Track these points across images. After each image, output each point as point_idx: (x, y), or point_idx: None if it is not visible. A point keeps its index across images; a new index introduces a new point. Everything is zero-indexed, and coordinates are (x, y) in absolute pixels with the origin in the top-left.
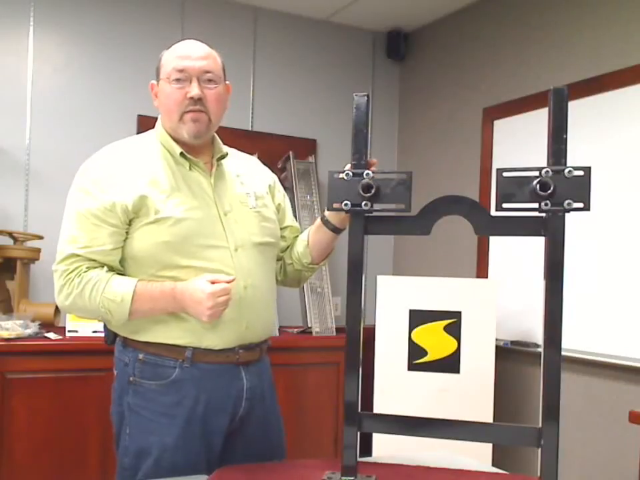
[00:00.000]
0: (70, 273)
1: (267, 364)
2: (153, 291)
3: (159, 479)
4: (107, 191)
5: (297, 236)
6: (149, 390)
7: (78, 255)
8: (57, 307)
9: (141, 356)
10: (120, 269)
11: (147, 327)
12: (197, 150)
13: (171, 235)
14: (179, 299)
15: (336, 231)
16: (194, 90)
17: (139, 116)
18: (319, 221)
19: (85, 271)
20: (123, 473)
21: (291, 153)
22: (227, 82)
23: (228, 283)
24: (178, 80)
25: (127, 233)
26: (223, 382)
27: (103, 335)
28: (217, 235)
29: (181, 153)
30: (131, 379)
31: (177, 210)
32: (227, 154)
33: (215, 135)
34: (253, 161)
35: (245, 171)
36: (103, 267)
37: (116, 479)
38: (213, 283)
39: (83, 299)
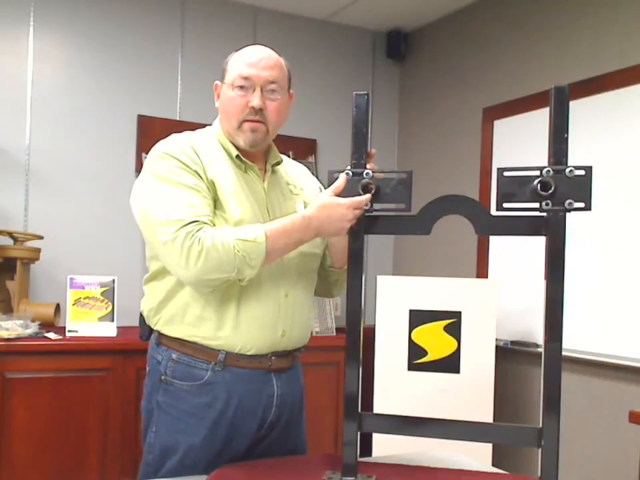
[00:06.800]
0: (196, 232)
1: (299, 371)
2: (283, 226)
3: (161, 478)
4: (201, 171)
5: None
6: (180, 390)
7: (197, 220)
8: (56, 307)
9: (174, 356)
10: None
11: (183, 320)
12: (252, 155)
13: None
14: (314, 226)
15: None
16: (255, 100)
17: (139, 116)
18: None
19: (208, 229)
20: (146, 468)
21: (290, 153)
22: (291, 91)
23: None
24: (241, 87)
25: None
26: (253, 387)
27: (104, 335)
28: None
29: (237, 156)
30: (163, 377)
31: (237, 210)
32: (282, 161)
33: (272, 142)
34: (304, 170)
35: (296, 180)
36: None
37: (139, 473)
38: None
39: (216, 249)
